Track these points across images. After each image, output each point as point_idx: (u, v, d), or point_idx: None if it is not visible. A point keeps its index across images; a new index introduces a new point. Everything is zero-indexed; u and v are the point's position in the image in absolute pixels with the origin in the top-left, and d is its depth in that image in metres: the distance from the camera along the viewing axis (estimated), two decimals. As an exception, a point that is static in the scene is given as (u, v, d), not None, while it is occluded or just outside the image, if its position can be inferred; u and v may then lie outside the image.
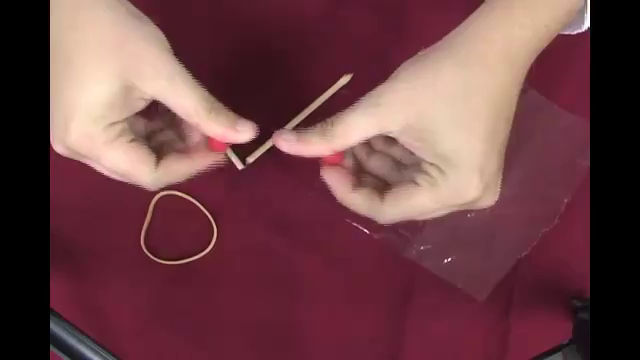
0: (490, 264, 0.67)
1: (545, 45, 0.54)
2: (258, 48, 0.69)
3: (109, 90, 0.51)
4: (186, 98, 0.52)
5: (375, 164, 0.58)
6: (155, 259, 0.67)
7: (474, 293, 0.66)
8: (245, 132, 0.54)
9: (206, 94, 0.53)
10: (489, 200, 0.54)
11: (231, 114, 0.54)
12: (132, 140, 0.52)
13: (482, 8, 0.54)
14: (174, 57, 0.53)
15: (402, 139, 0.53)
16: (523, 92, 0.67)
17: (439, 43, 0.54)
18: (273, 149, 0.67)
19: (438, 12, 0.67)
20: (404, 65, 0.54)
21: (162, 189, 0.66)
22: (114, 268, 0.66)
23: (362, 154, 0.58)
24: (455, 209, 0.55)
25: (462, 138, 0.51)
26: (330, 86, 0.68)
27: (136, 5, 0.55)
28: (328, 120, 0.53)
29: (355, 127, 0.52)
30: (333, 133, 0.52)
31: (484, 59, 0.52)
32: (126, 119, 0.52)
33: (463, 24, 0.54)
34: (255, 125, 0.54)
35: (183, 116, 0.53)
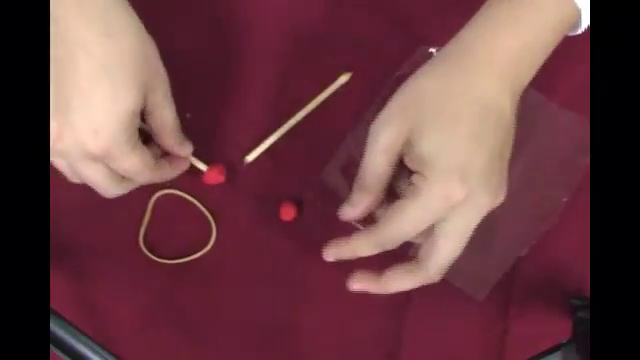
0: (489, 263, 0.66)
1: (541, 57, 0.56)
2: (259, 47, 0.69)
3: (138, 100, 0.55)
4: (168, 114, 0.60)
5: None
6: (154, 258, 0.67)
7: (473, 292, 0.66)
8: (188, 149, 0.64)
9: (175, 115, 0.61)
10: (485, 201, 0.54)
11: (181, 135, 0.63)
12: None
13: (468, 24, 0.57)
14: None
15: (405, 154, 0.55)
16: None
17: (426, 63, 0.57)
18: (272, 148, 0.67)
19: (439, 13, 0.67)
20: (396, 91, 0.56)
21: (161, 188, 0.67)
22: (113, 267, 0.66)
23: None
24: (468, 219, 0.55)
25: (442, 141, 0.53)
26: (330, 85, 0.68)
27: (135, 4, 0.55)
28: (358, 176, 0.57)
29: (377, 167, 0.55)
30: (366, 183, 0.56)
31: (466, 68, 0.55)
32: None
33: (450, 41, 0.57)
34: (190, 147, 0.64)
35: (157, 125, 0.60)
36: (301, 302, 0.67)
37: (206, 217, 0.67)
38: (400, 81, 0.58)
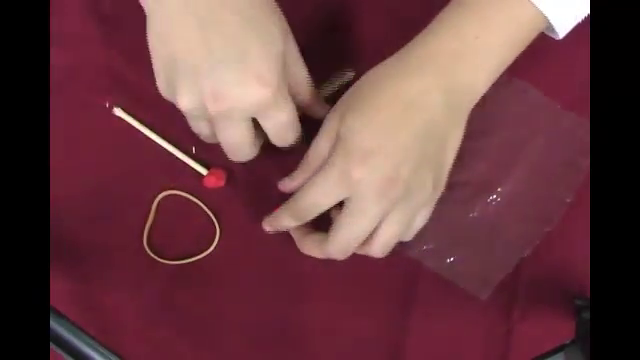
0: (492, 264, 0.66)
1: (490, 61, 0.59)
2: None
3: (284, 45, 0.58)
4: (304, 68, 0.62)
5: None
6: (158, 259, 0.67)
7: (476, 292, 0.66)
8: (325, 109, 0.63)
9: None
10: (386, 187, 0.57)
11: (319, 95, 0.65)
12: None
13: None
14: None
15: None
16: (524, 92, 0.68)
17: None
18: (275, 148, 0.67)
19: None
20: None
21: (165, 189, 0.67)
22: (117, 267, 0.67)
23: None
24: (353, 196, 0.57)
25: (356, 125, 0.57)
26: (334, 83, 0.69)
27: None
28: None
29: (318, 145, 0.60)
30: (309, 158, 0.61)
31: (403, 64, 0.59)
32: None
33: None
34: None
35: (297, 86, 0.61)
36: (303, 302, 0.67)
37: (210, 218, 0.67)
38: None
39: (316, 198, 0.59)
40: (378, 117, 0.57)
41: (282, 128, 0.59)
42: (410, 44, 0.60)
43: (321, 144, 0.60)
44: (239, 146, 0.60)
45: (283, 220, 0.62)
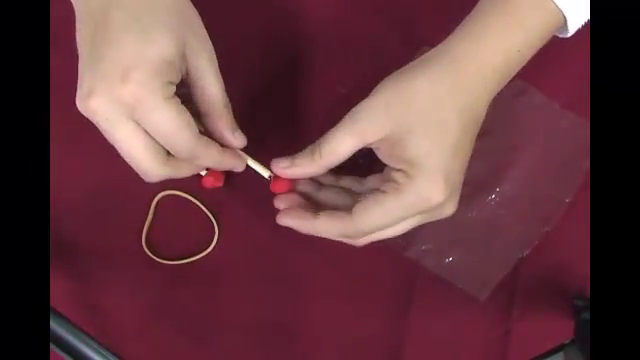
0: (491, 264, 0.67)
1: (518, 68, 0.59)
2: (258, 48, 0.70)
3: (173, 49, 0.53)
4: (214, 84, 0.56)
5: (326, 196, 0.62)
6: (156, 259, 0.67)
7: (475, 293, 0.66)
8: (239, 140, 0.59)
9: (224, 89, 0.57)
10: (452, 208, 0.57)
11: (234, 120, 0.59)
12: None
13: (459, 30, 0.58)
14: None
15: (380, 148, 0.57)
16: (523, 92, 0.68)
17: (416, 61, 0.58)
18: (274, 149, 0.67)
19: (440, 13, 0.67)
20: (382, 82, 0.58)
21: (164, 189, 0.67)
22: (115, 268, 0.67)
23: (311, 189, 0.62)
24: (423, 218, 0.58)
25: (432, 145, 0.55)
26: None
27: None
28: (317, 142, 0.57)
29: (341, 145, 0.56)
30: (322, 154, 0.57)
31: (458, 78, 0.56)
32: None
33: (440, 45, 0.58)
34: (244, 138, 0.59)
35: (203, 100, 0.56)
36: (302, 302, 0.67)
37: (208, 218, 0.67)
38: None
39: (386, 220, 0.56)
40: (449, 137, 0.55)
41: (162, 135, 0.53)
42: (453, 47, 0.57)
43: (345, 142, 0.56)
44: (137, 157, 0.54)
45: (327, 234, 0.59)
